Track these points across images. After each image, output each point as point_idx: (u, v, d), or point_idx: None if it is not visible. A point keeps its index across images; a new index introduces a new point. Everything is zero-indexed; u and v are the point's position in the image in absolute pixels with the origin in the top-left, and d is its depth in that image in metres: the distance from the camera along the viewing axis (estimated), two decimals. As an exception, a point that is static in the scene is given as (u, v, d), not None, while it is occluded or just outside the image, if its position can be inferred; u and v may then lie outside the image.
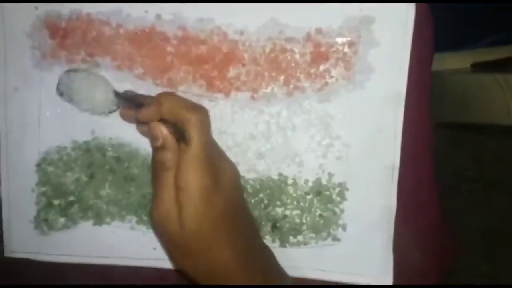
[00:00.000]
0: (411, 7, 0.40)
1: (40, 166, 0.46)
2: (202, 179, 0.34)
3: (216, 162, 0.36)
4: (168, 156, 0.35)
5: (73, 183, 0.45)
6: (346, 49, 0.41)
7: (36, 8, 0.43)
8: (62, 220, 0.46)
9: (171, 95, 0.38)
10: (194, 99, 0.44)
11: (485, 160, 0.74)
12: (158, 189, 0.35)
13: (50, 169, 0.46)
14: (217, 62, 0.43)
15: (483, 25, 0.60)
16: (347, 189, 0.43)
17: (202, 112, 0.35)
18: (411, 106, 0.41)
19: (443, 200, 0.43)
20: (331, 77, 0.42)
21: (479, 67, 0.58)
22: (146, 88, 0.44)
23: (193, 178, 0.33)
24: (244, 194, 0.44)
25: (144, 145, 0.45)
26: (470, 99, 0.52)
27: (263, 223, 0.44)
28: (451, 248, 0.43)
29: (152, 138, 0.36)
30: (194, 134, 0.34)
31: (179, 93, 0.44)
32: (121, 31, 0.43)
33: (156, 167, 0.36)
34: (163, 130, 0.35)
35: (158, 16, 0.43)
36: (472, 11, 0.60)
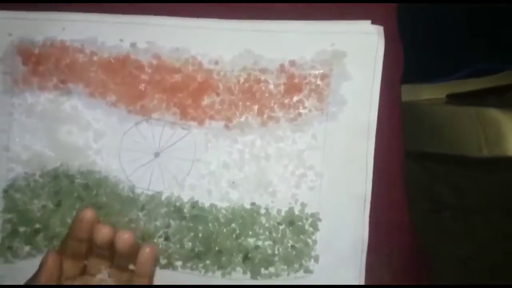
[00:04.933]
0: (380, 41, 0.43)
1: (7, 192, 0.46)
2: None
3: None
4: None
5: (39, 211, 0.46)
6: (318, 81, 0.44)
7: (10, 34, 0.45)
8: (27, 248, 0.46)
9: None
10: (168, 127, 0.46)
11: (465, 188, 0.77)
12: None
13: (17, 195, 0.46)
14: (191, 91, 0.45)
15: (459, 57, 0.64)
16: (320, 220, 0.45)
17: None
18: (381, 135, 0.44)
19: (423, 227, 0.46)
20: (305, 107, 0.45)
21: (454, 98, 0.61)
22: (119, 114, 0.46)
23: None
24: (216, 224, 0.45)
25: (114, 172, 0.46)
26: (444, 130, 0.55)
27: (234, 254, 0.45)
28: (424, 276, 0.45)
29: None
30: None
31: (152, 120, 0.46)
32: (95, 58, 0.46)
33: None
34: None
35: (133, 45, 0.45)
36: (448, 43, 0.64)
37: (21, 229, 0.46)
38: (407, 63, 0.58)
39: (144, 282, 0.40)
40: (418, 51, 0.65)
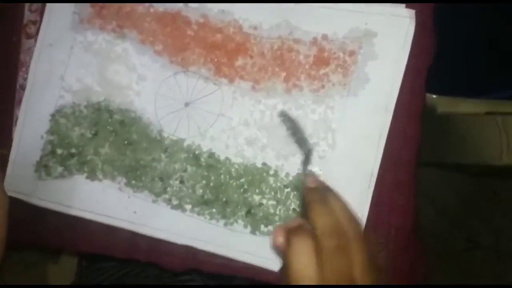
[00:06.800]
0: (412, 25, 0.45)
1: (54, 116, 0.53)
2: None
3: None
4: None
5: (78, 137, 0.52)
6: (346, 58, 0.47)
7: (82, -21, 0.53)
8: (60, 169, 0.52)
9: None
10: (202, 80, 0.51)
11: (501, 227, 0.76)
12: None
13: (62, 121, 0.53)
14: (229, 50, 0.50)
15: (503, 77, 0.64)
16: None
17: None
18: (399, 118, 0.45)
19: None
20: (329, 81, 0.47)
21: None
22: (162, 63, 0.51)
23: None
24: (227, 177, 0.49)
25: (147, 114, 0.51)
26: (468, 139, 0.56)
27: (238, 207, 0.48)
28: (421, 261, 0.45)
29: None
30: None
31: (189, 73, 0.51)
32: (151, 10, 0.52)
33: None
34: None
35: (186, 3, 0.51)
36: (495, 61, 0.65)
37: (59, 151, 0.52)
38: (449, 75, 0.60)
39: None
40: (461, 65, 0.66)
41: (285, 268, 0.32)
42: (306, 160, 0.44)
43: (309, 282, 0.31)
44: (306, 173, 0.43)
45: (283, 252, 0.33)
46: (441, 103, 0.65)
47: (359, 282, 0.31)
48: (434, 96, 0.68)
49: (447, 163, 0.58)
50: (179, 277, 0.56)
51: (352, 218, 0.34)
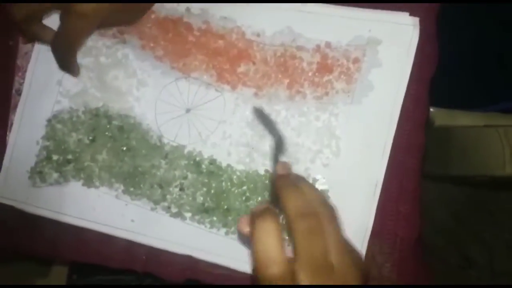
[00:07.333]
0: (415, 33, 0.46)
1: (50, 122, 0.52)
2: None
3: None
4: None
5: (75, 143, 0.51)
6: (350, 65, 0.47)
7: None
8: (55, 175, 0.51)
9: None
10: (203, 87, 0.50)
11: (494, 245, 0.76)
12: None
13: (58, 126, 0.52)
14: (231, 57, 0.49)
15: (501, 90, 0.65)
16: (328, 197, 0.46)
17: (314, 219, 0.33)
18: (403, 127, 0.45)
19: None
20: (333, 88, 0.47)
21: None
22: (163, 69, 0.51)
23: None
24: (229, 184, 0.48)
25: (147, 120, 0.51)
26: (471, 150, 0.56)
27: (240, 215, 0.47)
28: (423, 272, 0.44)
29: None
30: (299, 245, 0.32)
31: (191, 79, 0.50)
32: (153, 16, 0.51)
33: None
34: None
35: (188, 9, 0.51)
36: (492, 74, 0.65)
37: (55, 157, 0.51)
38: (446, 88, 0.60)
39: None
40: (460, 78, 0.66)
41: (251, 251, 0.32)
42: (277, 148, 0.44)
43: (273, 263, 0.31)
44: (276, 161, 0.42)
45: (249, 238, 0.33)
46: (439, 116, 0.65)
47: (335, 265, 0.31)
48: (431, 109, 0.68)
49: (443, 176, 0.58)
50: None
51: (323, 200, 0.34)
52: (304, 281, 0.30)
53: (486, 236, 0.82)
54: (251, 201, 0.47)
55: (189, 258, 0.47)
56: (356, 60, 0.47)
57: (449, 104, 0.66)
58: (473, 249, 0.83)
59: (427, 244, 0.50)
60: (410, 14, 0.46)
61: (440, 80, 0.50)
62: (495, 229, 0.82)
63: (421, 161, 0.45)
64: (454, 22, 0.62)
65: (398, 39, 0.46)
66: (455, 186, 0.83)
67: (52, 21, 0.49)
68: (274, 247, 0.31)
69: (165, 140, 0.50)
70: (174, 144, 0.50)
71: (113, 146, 0.50)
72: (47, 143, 0.52)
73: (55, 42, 0.46)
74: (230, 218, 0.47)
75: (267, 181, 0.47)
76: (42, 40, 0.50)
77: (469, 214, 0.85)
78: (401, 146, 0.45)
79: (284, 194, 0.34)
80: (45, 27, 0.49)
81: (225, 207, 0.47)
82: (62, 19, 0.44)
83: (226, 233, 0.47)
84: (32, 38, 0.52)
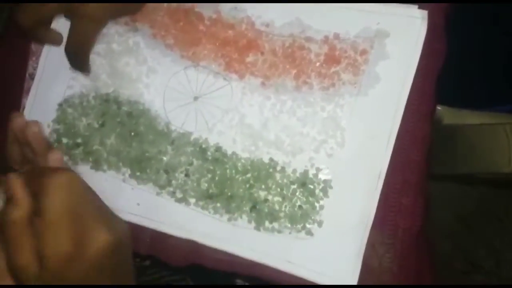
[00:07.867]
0: (424, 26, 0.46)
1: (61, 106, 0.53)
2: (61, 246, 0.33)
3: (83, 229, 0.34)
4: (19, 214, 0.33)
5: (84, 127, 0.52)
6: (358, 57, 0.47)
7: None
8: (64, 158, 0.52)
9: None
10: (212, 75, 0.51)
11: (501, 250, 0.76)
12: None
13: (69, 110, 0.53)
14: (240, 46, 0.50)
15: (510, 90, 0.65)
16: (331, 187, 0.46)
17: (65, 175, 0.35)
18: (408, 119, 0.46)
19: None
20: (339, 79, 0.48)
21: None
22: (173, 57, 0.52)
23: (51, 244, 0.33)
24: (233, 171, 0.49)
25: (156, 107, 0.52)
26: (477, 148, 0.56)
27: (243, 202, 0.48)
28: (426, 263, 0.44)
29: (6, 189, 0.35)
30: (50, 202, 0.33)
31: (200, 67, 0.51)
32: (165, 5, 0.52)
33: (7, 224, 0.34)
34: (18, 189, 0.34)
35: (199, -1, 0.52)
36: (501, 74, 0.65)
37: (64, 140, 0.52)
38: (456, 87, 0.60)
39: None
40: (469, 77, 0.66)
41: None
42: None
43: None
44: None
45: None
46: (447, 115, 0.65)
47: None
48: (439, 107, 0.68)
49: (451, 176, 0.58)
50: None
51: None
52: None
53: (494, 241, 0.82)
54: (254, 189, 0.48)
55: (192, 243, 0.48)
56: (363, 52, 0.47)
57: (457, 103, 0.66)
58: (480, 254, 0.82)
59: (431, 246, 0.50)
60: (419, 8, 0.46)
61: (448, 79, 0.50)
62: (503, 233, 0.82)
63: (425, 154, 0.45)
64: (463, 22, 0.62)
65: (406, 32, 0.46)
66: (463, 188, 0.83)
67: (60, 25, 0.50)
68: None
69: (172, 127, 0.51)
70: (181, 131, 0.51)
71: (122, 131, 0.51)
72: (58, 127, 0.53)
73: (67, 47, 0.47)
74: (233, 204, 0.48)
75: (271, 170, 0.48)
76: (51, 44, 0.51)
77: (476, 219, 0.85)
78: (405, 138, 0.46)
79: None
80: (54, 32, 0.50)
81: (229, 194, 0.48)
82: (71, 23, 0.46)
83: (229, 219, 0.48)
84: (42, 43, 0.53)
